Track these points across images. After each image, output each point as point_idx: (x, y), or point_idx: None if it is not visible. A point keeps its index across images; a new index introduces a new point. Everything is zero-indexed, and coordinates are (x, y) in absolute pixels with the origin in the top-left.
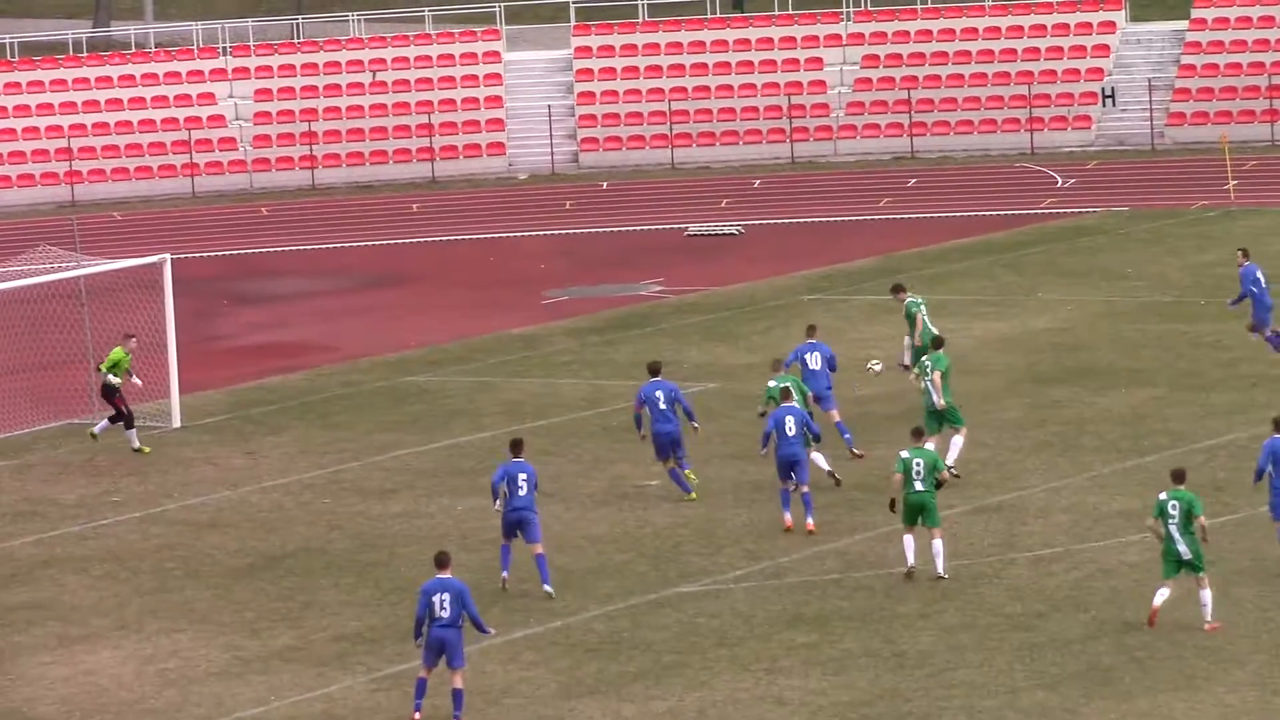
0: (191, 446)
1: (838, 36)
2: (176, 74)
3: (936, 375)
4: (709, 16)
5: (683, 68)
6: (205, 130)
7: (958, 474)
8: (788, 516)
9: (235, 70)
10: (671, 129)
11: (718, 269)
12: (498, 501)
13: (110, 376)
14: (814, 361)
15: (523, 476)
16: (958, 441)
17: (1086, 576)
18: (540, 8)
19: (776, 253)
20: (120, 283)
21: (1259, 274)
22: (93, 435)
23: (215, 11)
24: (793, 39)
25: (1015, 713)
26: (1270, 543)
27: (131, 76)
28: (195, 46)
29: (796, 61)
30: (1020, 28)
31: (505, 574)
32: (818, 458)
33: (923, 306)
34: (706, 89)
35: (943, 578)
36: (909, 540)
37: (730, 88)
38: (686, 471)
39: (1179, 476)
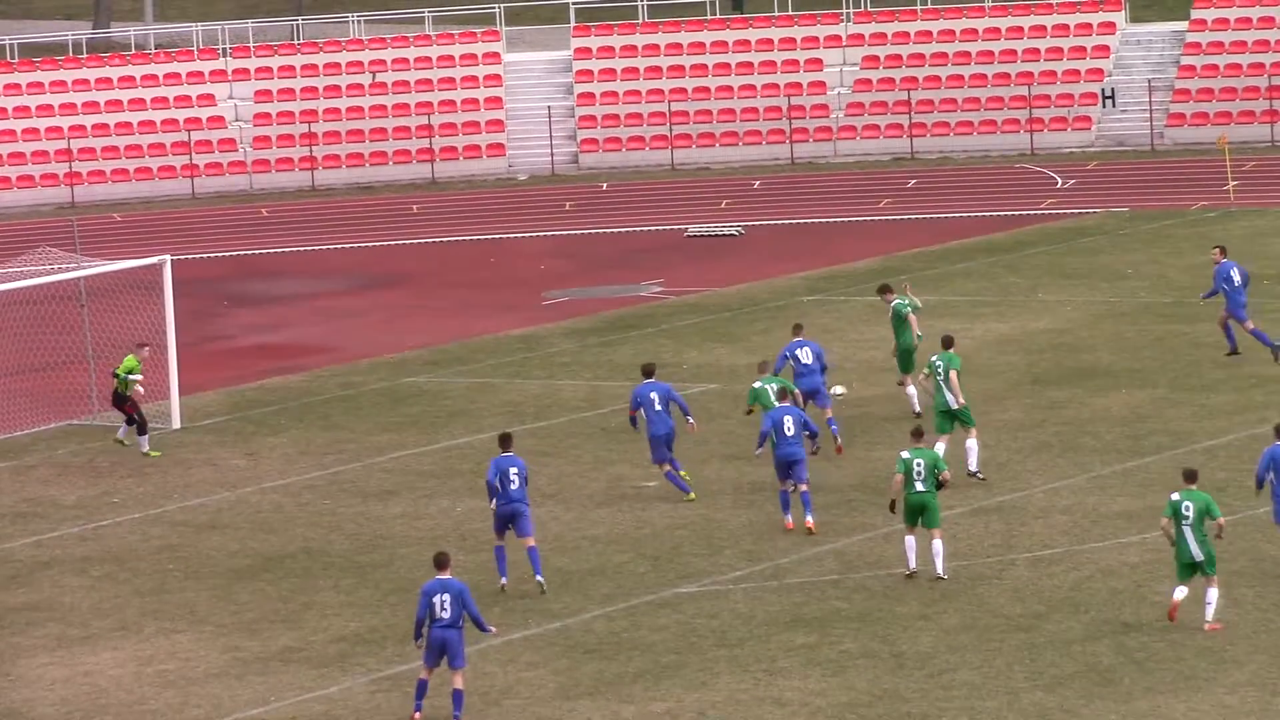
0: (191, 448)
1: (837, 37)
2: (176, 75)
3: (954, 375)
4: (709, 17)
5: (682, 69)
6: (205, 131)
7: (984, 477)
8: (788, 518)
9: (235, 71)
10: (671, 130)
11: (718, 270)
12: (494, 500)
13: (128, 380)
14: (806, 356)
15: (514, 470)
16: (973, 446)
17: (1086, 577)
18: (540, 9)
19: (776, 253)
20: (120, 284)
21: (1233, 271)
22: (119, 441)
23: (215, 13)
24: (792, 40)
25: (1015, 714)
26: (1269, 543)
27: (131, 78)
28: (195, 48)
29: (796, 62)
30: (1020, 29)
31: (504, 580)
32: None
33: (909, 308)
34: (706, 90)
35: (942, 578)
36: (910, 541)
37: (730, 89)
38: (680, 472)
39: (1191, 476)
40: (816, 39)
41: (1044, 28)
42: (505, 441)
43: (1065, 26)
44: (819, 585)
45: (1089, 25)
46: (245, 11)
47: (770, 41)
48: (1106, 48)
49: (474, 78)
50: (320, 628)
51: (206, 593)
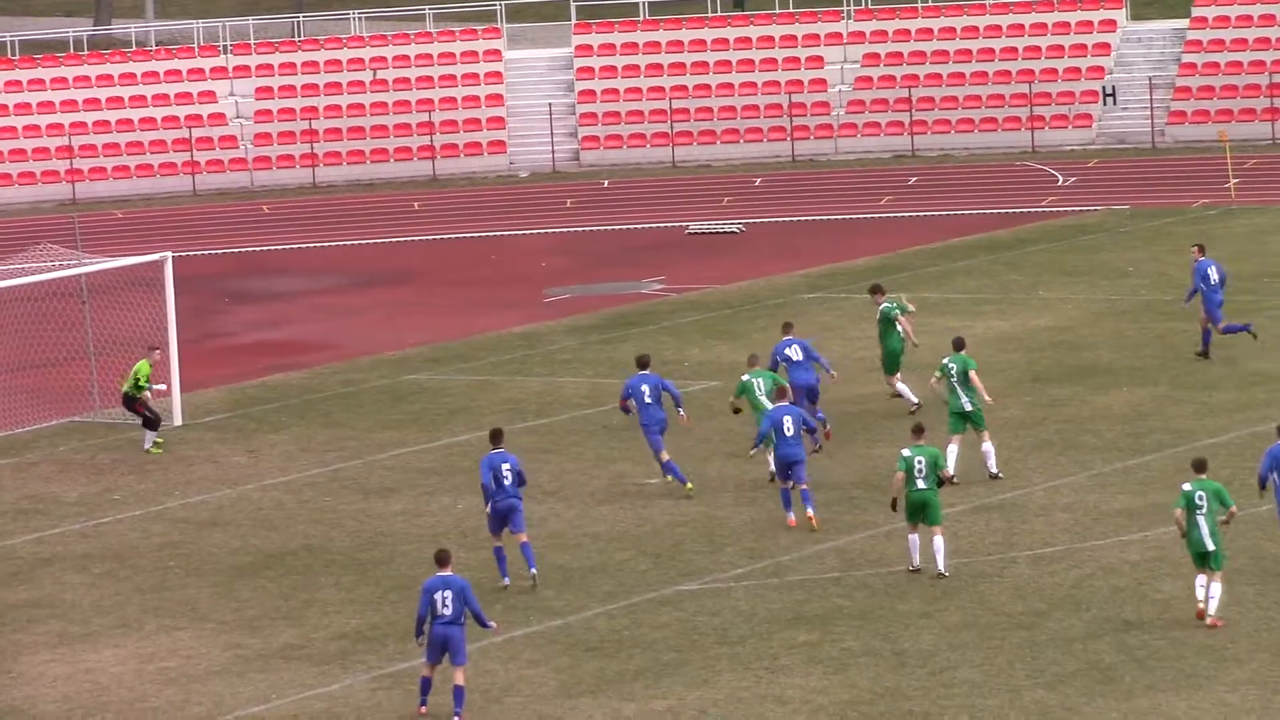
0: (192, 444)
1: (838, 35)
2: (177, 72)
3: (975, 376)
4: (710, 15)
5: (684, 66)
6: (206, 128)
7: (1000, 476)
8: (790, 515)
9: (236, 68)
10: (672, 127)
11: (719, 267)
12: (489, 500)
13: (142, 385)
14: (795, 354)
15: (506, 466)
16: (990, 449)
17: (1087, 575)
18: (541, 6)
19: (777, 251)
20: (121, 281)
21: (1210, 270)
22: (148, 451)
23: (216, 9)
24: (793, 37)
25: (1016, 711)
26: (1270, 541)
27: (132, 74)
28: (196, 45)
29: (797, 60)
30: (1021, 26)
31: (506, 581)
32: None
33: (898, 310)
34: (707, 87)
35: (944, 576)
36: (914, 539)
37: (731, 86)
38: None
39: (1201, 466)
40: (817, 36)
41: (1045, 25)
42: (496, 437)
43: (1066, 24)
44: (820, 583)
45: (1090, 23)
46: (246, 8)
47: (771, 39)
48: (1107, 45)
49: (475, 75)
50: (321, 625)
51: (208, 590)
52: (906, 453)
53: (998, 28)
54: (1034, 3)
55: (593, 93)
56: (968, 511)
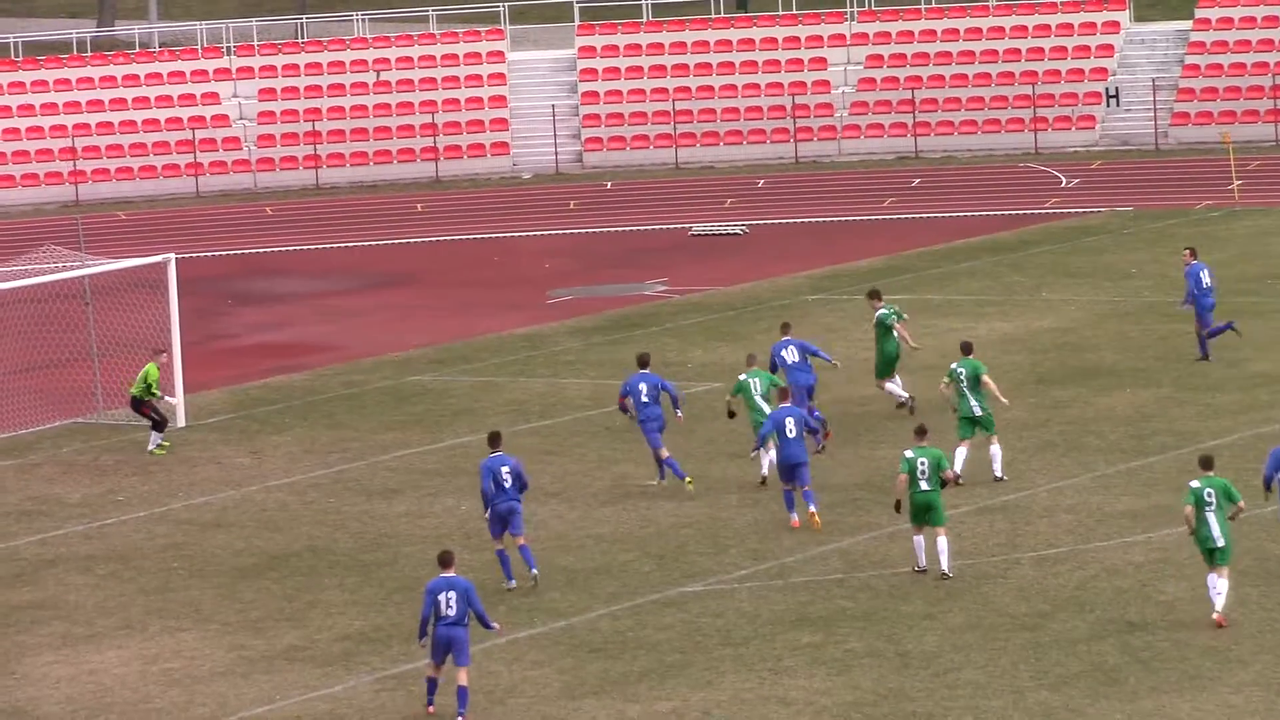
0: (196, 446)
1: (842, 36)
2: (180, 74)
3: (988, 380)
4: (713, 16)
5: (687, 67)
6: (209, 130)
7: (1005, 479)
8: (794, 516)
9: (239, 70)
10: (675, 129)
11: (722, 269)
12: (489, 508)
13: (153, 390)
14: (791, 355)
15: (505, 469)
16: (997, 452)
17: (1091, 576)
18: (544, 7)
19: (780, 253)
20: (125, 282)
21: (1202, 273)
22: (151, 453)
23: (219, 11)
24: (797, 39)
25: (1020, 713)
26: (1274, 542)
27: (136, 76)
28: (199, 46)
29: (800, 61)
30: (1024, 27)
31: (512, 583)
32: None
33: (894, 316)
34: (710, 89)
35: (947, 577)
36: (919, 541)
37: (734, 87)
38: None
39: (1208, 463)
40: (821, 38)
41: (1048, 26)
42: (495, 440)
43: (1069, 25)
44: (824, 584)
45: (1093, 24)
46: (249, 10)
47: (774, 40)
48: (1111, 47)
49: (478, 76)
50: (325, 626)
51: (211, 591)
52: (909, 454)
53: (1001, 29)
54: (1037, 4)
55: (596, 94)
56: (971, 513)
